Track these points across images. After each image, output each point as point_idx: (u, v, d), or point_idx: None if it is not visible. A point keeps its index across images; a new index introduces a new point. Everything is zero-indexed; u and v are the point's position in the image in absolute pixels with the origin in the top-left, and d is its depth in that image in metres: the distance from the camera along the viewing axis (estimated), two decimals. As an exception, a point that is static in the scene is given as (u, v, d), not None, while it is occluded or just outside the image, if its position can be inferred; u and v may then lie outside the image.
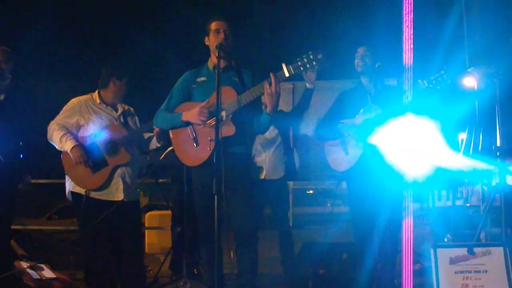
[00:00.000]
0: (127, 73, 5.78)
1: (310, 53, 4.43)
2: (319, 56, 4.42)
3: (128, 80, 5.75)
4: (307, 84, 5.53)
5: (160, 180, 7.28)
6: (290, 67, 4.45)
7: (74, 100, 5.72)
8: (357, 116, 5.22)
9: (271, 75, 4.44)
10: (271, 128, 6.28)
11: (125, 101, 5.85)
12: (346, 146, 5.25)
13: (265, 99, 4.52)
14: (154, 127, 5.44)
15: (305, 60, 4.43)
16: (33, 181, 8.06)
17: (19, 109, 5.75)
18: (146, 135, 5.78)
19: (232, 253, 4.90)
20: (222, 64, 4.67)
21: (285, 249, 6.51)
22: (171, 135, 4.92)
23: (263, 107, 4.72)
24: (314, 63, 4.42)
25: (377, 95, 5.24)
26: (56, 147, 5.57)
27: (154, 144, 5.73)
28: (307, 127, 6.98)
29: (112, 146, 5.54)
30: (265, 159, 6.37)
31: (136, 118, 5.86)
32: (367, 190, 5.07)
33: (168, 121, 4.86)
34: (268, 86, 4.43)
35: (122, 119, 5.72)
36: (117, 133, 5.58)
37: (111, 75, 5.70)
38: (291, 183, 7.98)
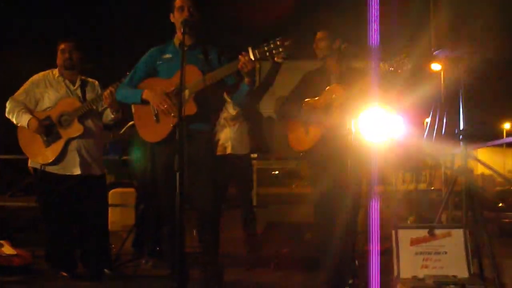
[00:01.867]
0: (67, 41, 5.74)
1: (278, 39, 4.43)
2: (287, 43, 4.42)
3: (67, 47, 5.69)
4: (275, 59, 5.54)
5: (124, 158, 7.23)
6: (256, 51, 4.45)
7: (34, 76, 5.73)
8: (319, 96, 5.22)
9: (243, 53, 4.45)
10: (232, 107, 6.31)
11: (91, 76, 5.82)
12: (307, 125, 5.25)
13: (242, 73, 4.55)
14: (105, 98, 5.42)
15: (272, 45, 4.43)
16: (-3, 157, 7.96)
17: None
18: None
19: (194, 231, 4.89)
20: (188, 41, 4.68)
21: (248, 228, 6.53)
22: (133, 109, 4.93)
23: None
24: (280, 49, 4.42)
25: (341, 76, 5.25)
26: (14, 122, 5.57)
27: (109, 115, 5.68)
28: (272, 107, 6.99)
29: (66, 119, 5.49)
30: (230, 134, 6.36)
31: (99, 90, 5.77)
32: (328, 170, 5.08)
33: (128, 96, 4.89)
34: (241, 63, 4.45)
35: (79, 92, 5.67)
36: (70, 105, 5.54)
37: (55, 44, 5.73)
38: (255, 162, 7.99)
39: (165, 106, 4.61)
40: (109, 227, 6.22)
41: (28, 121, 5.46)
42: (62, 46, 5.68)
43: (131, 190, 7.37)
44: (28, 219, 9.37)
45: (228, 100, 6.26)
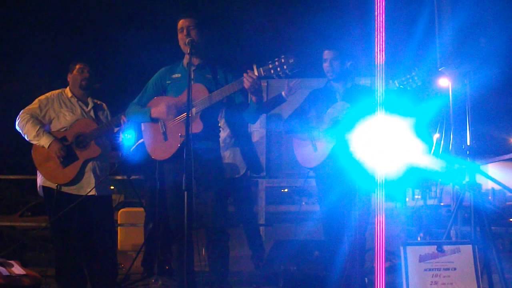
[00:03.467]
0: (83, 61, 5.79)
1: (282, 57, 4.44)
2: (291, 61, 4.41)
3: (85, 67, 5.75)
4: (282, 92, 5.57)
5: (133, 177, 7.25)
6: (261, 69, 4.47)
7: (46, 94, 5.76)
8: (325, 115, 5.24)
9: (248, 71, 4.47)
10: (222, 128, 6.31)
11: (96, 96, 5.87)
12: (315, 142, 5.28)
13: (248, 91, 4.57)
14: (121, 121, 5.48)
15: (277, 63, 4.44)
16: (5, 177, 8.01)
17: None
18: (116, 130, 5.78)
19: (203, 250, 4.90)
20: (196, 61, 4.76)
21: (254, 246, 6.54)
22: (142, 127, 4.98)
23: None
24: (285, 67, 4.41)
25: (346, 93, 5.27)
26: (27, 138, 5.56)
27: (121, 136, 5.75)
28: (279, 125, 7.01)
29: (82, 140, 5.54)
30: (224, 159, 6.35)
31: (108, 112, 5.88)
32: (336, 187, 5.10)
33: (138, 115, 4.96)
34: (246, 81, 4.47)
35: (92, 114, 5.73)
36: (87, 126, 5.59)
37: (67, 70, 5.78)
38: (264, 181, 8.01)
39: (173, 113, 4.67)
40: (119, 246, 6.25)
41: (50, 143, 5.47)
42: (80, 66, 5.73)
43: (140, 209, 7.40)
44: (37, 239, 9.39)
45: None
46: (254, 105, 4.65)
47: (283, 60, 4.42)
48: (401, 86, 5.04)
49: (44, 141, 5.48)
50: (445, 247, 4.86)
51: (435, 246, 4.87)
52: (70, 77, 5.78)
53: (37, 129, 5.50)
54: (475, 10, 4.87)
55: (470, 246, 4.86)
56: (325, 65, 5.35)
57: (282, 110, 6.50)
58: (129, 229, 8.59)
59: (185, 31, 4.72)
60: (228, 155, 6.42)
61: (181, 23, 4.78)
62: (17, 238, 9.55)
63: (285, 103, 6.10)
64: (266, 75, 4.47)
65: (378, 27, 4.16)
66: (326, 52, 5.33)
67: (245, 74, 4.47)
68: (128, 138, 5.75)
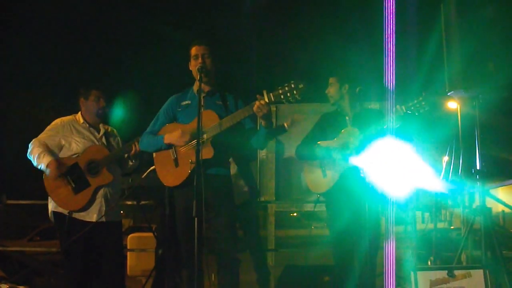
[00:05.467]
0: (99, 88, 5.77)
1: (292, 82, 4.48)
2: (300, 86, 4.45)
3: (101, 95, 5.73)
4: (285, 124, 5.59)
5: (142, 202, 7.26)
6: (271, 94, 4.50)
7: (57, 120, 5.73)
8: (335, 138, 5.27)
9: (258, 96, 4.50)
10: None
11: (108, 122, 5.88)
12: (324, 167, 5.30)
13: (258, 116, 4.60)
14: (133, 147, 5.48)
15: (286, 88, 4.47)
16: (15, 202, 8.02)
17: None
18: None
19: (213, 275, 4.90)
20: (206, 88, 4.79)
21: (259, 270, 6.52)
22: (154, 155, 4.98)
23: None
24: (295, 92, 4.46)
25: (355, 117, 5.31)
26: (34, 164, 5.53)
27: (129, 163, 5.75)
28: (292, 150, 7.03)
29: (94, 167, 5.53)
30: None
31: (119, 139, 5.87)
32: (346, 212, 5.10)
33: (152, 144, 4.96)
34: (256, 107, 4.50)
35: (104, 140, 5.73)
36: (99, 153, 5.58)
37: (79, 95, 5.76)
38: (273, 205, 7.99)
39: (187, 138, 4.67)
40: (128, 271, 6.23)
41: (49, 162, 5.41)
42: (95, 93, 5.71)
43: (150, 234, 7.39)
44: (47, 264, 9.38)
45: None
46: (264, 130, 4.67)
47: (292, 86, 4.45)
48: (408, 112, 5.06)
49: (45, 162, 5.44)
50: (456, 272, 4.83)
51: (446, 271, 4.84)
52: (83, 103, 5.76)
53: (39, 152, 5.47)
54: (483, 35, 4.88)
55: (481, 271, 4.83)
56: (328, 90, 5.42)
57: (292, 134, 6.49)
58: (139, 254, 8.57)
59: (200, 58, 4.76)
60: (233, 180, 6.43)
61: (195, 49, 4.82)
62: (27, 263, 9.55)
63: (296, 127, 6.11)
64: (276, 100, 4.50)
65: (388, 52, 4.19)
66: (330, 78, 5.41)
67: (256, 101, 4.49)
68: (136, 164, 5.76)
